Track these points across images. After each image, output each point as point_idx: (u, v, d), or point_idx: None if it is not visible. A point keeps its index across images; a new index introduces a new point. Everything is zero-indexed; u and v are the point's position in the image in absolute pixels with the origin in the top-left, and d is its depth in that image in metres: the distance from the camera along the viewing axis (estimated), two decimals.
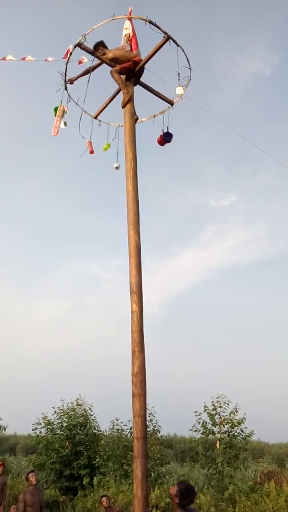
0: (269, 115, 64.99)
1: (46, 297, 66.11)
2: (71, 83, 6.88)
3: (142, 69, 6.85)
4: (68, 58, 6.69)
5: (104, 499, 9.30)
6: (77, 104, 7.08)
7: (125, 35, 6.96)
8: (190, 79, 7.04)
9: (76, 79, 6.87)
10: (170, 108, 7.31)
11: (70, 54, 6.65)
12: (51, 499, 13.84)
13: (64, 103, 6.96)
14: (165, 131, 7.26)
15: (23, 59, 6.91)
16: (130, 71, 6.73)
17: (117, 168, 7.22)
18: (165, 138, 7.24)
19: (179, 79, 6.81)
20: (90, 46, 6.62)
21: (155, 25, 6.50)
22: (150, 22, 6.51)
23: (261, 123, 63.03)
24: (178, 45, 6.72)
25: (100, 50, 6.68)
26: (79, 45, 6.56)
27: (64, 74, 6.82)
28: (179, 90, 6.93)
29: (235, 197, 64.12)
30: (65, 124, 6.93)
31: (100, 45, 6.69)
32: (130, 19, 6.94)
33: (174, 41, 6.63)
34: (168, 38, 6.51)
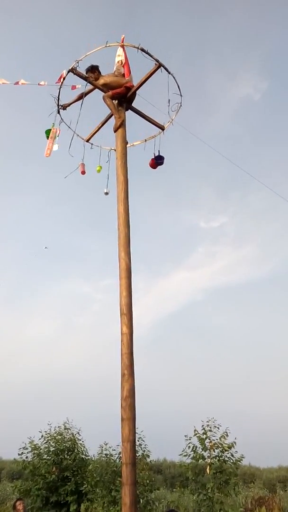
0: (258, 139, 66.30)
1: (35, 316, 65.42)
2: (64, 109, 6.99)
3: (134, 94, 7.01)
4: (62, 83, 6.82)
5: None
6: (69, 127, 7.19)
7: (118, 62, 7.13)
8: (181, 106, 7.22)
9: (69, 105, 6.99)
10: (161, 133, 7.46)
11: (64, 79, 6.78)
12: None
13: (56, 126, 7.05)
14: (157, 154, 7.38)
15: (17, 83, 7.03)
16: (122, 97, 6.87)
17: (106, 193, 7.26)
18: (157, 161, 7.36)
19: (169, 106, 6.97)
20: (83, 71, 6.77)
21: (147, 52, 6.67)
22: (142, 50, 6.69)
23: (251, 147, 64.23)
24: (169, 73, 6.90)
25: (94, 74, 6.82)
26: (72, 70, 6.70)
27: (57, 98, 6.94)
28: (169, 115, 7.10)
29: (225, 219, 64.76)
30: (56, 146, 6.99)
31: (95, 69, 6.84)
32: (122, 46, 7.12)
33: (165, 68, 6.80)
34: (159, 65, 6.68)
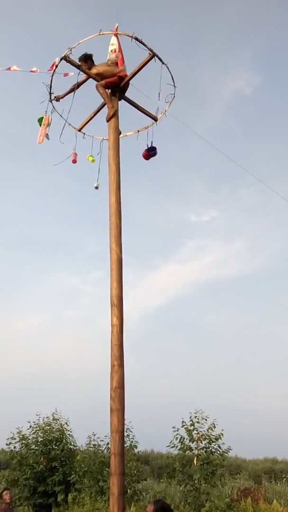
0: (249, 133, 66.22)
1: (25, 309, 65.16)
2: (57, 100, 6.89)
3: (127, 84, 6.93)
4: (54, 71, 6.72)
5: None
6: (61, 116, 7.09)
7: (111, 51, 7.03)
8: (174, 97, 7.16)
9: (62, 97, 6.88)
10: (154, 124, 7.39)
11: (56, 66, 6.68)
12: None
13: (49, 114, 6.96)
14: (149, 145, 7.32)
15: (9, 69, 6.90)
16: (115, 86, 6.79)
17: (96, 188, 7.15)
18: (150, 152, 7.30)
19: (158, 98, 6.92)
20: (76, 59, 6.67)
21: (141, 42, 6.59)
22: (136, 38, 6.60)
23: (242, 142, 64.18)
24: (163, 63, 6.82)
25: (87, 64, 6.73)
26: (65, 58, 6.59)
27: (49, 86, 6.84)
28: (163, 106, 7.05)
29: (216, 213, 64.79)
30: (47, 137, 6.89)
31: (88, 58, 6.75)
32: (116, 35, 7.02)
33: (159, 58, 6.72)
34: (153, 55, 6.60)
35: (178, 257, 66.57)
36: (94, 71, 6.77)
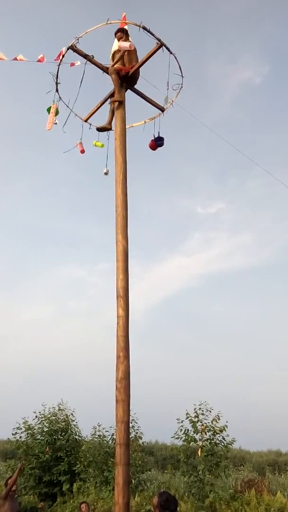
0: (258, 124, 65.76)
1: (31, 300, 65.55)
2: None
3: (135, 76, 6.86)
4: (61, 60, 6.68)
5: (83, 505, 9.19)
6: (67, 106, 7.07)
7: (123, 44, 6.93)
8: (182, 87, 7.09)
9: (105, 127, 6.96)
10: (161, 115, 7.33)
11: (63, 56, 6.63)
12: (30, 505, 13.65)
13: (56, 103, 6.97)
14: (156, 135, 7.27)
15: (15, 58, 6.87)
16: (125, 76, 6.73)
17: (106, 173, 7.14)
18: (157, 142, 7.24)
19: (167, 87, 6.85)
20: (83, 49, 6.63)
21: (148, 31, 6.52)
22: (144, 28, 6.53)
23: (251, 132, 63.77)
24: (171, 52, 6.75)
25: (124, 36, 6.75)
26: (72, 47, 6.54)
27: (56, 76, 6.81)
28: (170, 96, 6.99)
29: (222, 205, 64.57)
30: (56, 122, 6.90)
31: (125, 32, 6.77)
32: (124, 24, 6.95)
33: (167, 48, 6.66)
34: (161, 45, 6.53)
35: (184, 249, 66.60)
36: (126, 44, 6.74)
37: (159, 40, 6.52)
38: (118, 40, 6.78)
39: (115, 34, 6.87)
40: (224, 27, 60.34)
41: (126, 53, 6.71)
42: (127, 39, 6.78)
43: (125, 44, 6.62)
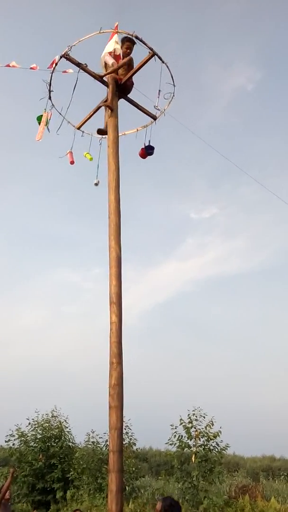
0: (251, 129, 66.22)
1: (25, 305, 65.22)
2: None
3: (128, 84, 6.92)
4: (54, 68, 6.72)
5: None
6: (60, 113, 7.11)
7: (113, 49, 6.99)
8: (174, 96, 7.17)
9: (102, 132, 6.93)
10: (153, 123, 7.40)
11: (56, 64, 6.69)
12: None
13: (48, 111, 6.99)
14: (147, 144, 7.34)
15: (8, 65, 6.90)
16: (118, 85, 6.79)
17: (96, 184, 7.16)
18: (147, 151, 7.31)
19: (158, 96, 6.93)
20: (76, 57, 6.68)
21: (141, 40, 6.58)
22: (136, 37, 6.60)
23: (244, 137, 64.18)
24: (163, 62, 6.82)
25: (130, 45, 6.80)
26: (65, 56, 6.59)
27: (49, 84, 6.85)
28: (158, 106, 7.07)
29: (216, 210, 64.84)
30: (47, 129, 6.92)
31: (131, 41, 6.80)
32: (116, 33, 7.01)
33: (159, 57, 6.72)
34: (153, 54, 6.59)
35: (178, 254, 66.74)
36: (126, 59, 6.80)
37: (151, 49, 6.58)
38: (127, 49, 6.85)
39: (124, 42, 6.88)
40: (218, 33, 60.92)
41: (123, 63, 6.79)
42: (132, 48, 6.85)
43: (109, 61, 6.72)
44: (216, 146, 8.14)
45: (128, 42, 6.79)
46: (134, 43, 6.77)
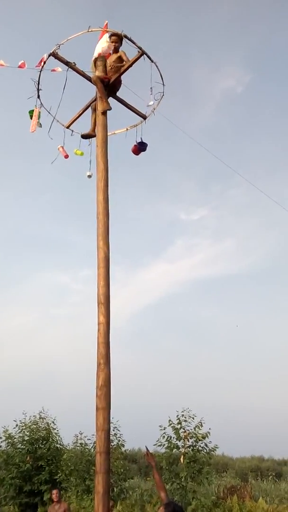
0: (241, 132, 66.51)
1: (13, 307, 64.65)
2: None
3: (117, 84, 6.89)
4: (42, 67, 6.68)
5: (55, 491, 9.10)
6: (49, 112, 7.07)
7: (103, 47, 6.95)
8: (163, 95, 7.15)
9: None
10: (143, 122, 7.38)
11: (44, 63, 6.64)
12: None
13: (38, 108, 6.97)
14: (139, 141, 7.31)
15: None
16: (107, 84, 6.76)
17: (89, 176, 7.11)
18: (140, 147, 7.28)
19: (151, 94, 6.91)
20: (65, 56, 6.64)
21: (130, 39, 6.56)
22: (125, 36, 6.58)
23: (234, 140, 64.45)
24: (152, 61, 6.80)
25: (118, 41, 6.70)
26: (53, 54, 6.55)
27: (37, 83, 6.80)
28: (151, 103, 7.05)
29: (206, 211, 64.99)
30: (39, 125, 6.90)
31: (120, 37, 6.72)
32: (105, 32, 6.98)
33: (148, 56, 6.70)
34: (142, 53, 6.58)
35: (168, 255, 66.73)
36: (116, 56, 6.72)
37: (140, 48, 6.56)
38: (113, 43, 6.77)
39: (110, 37, 6.80)
40: (208, 36, 61.16)
41: (113, 60, 6.74)
42: (120, 45, 6.79)
43: (105, 49, 6.72)
44: (206, 147, 8.15)
45: (115, 37, 6.73)
46: (121, 39, 6.71)
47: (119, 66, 6.71)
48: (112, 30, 6.83)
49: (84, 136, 7.00)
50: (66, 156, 7.25)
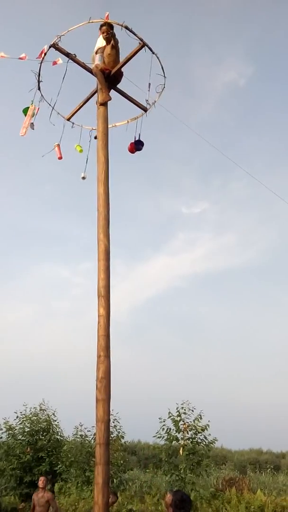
0: (242, 125, 66.25)
1: (13, 300, 64.78)
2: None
3: (119, 75, 6.85)
4: (43, 58, 6.63)
5: (42, 478, 9.18)
6: (50, 104, 7.03)
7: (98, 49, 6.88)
8: (164, 87, 7.11)
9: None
10: (144, 115, 7.34)
11: (45, 54, 6.60)
12: (10, 506, 13.54)
13: (36, 103, 6.88)
14: (137, 138, 7.27)
15: None
16: (107, 75, 6.71)
17: (83, 178, 7.09)
18: (137, 146, 7.25)
19: (149, 87, 6.86)
20: (66, 47, 6.59)
21: (131, 31, 6.50)
22: (126, 27, 6.52)
23: (234, 133, 64.22)
24: (153, 52, 6.76)
25: (110, 31, 6.51)
26: (54, 45, 6.51)
27: (38, 74, 6.76)
28: (152, 96, 7.01)
29: (207, 205, 64.92)
30: (32, 126, 6.80)
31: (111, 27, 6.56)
32: (106, 23, 6.91)
33: (149, 48, 6.64)
34: (143, 45, 6.52)
35: (168, 249, 66.79)
36: (109, 46, 6.61)
37: (141, 40, 6.51)
38: (103, 33, 6.63)
39: (100, 27, 6.69)
40: (210, 28, 60.60)
41: (108, 53, 6.67)
42: (111, 39, 6.67)
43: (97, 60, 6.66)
44: (207, 140, 8.12)
45: (104, 27, 6.54)
46: (112, 27, 6.54)
47: (115, 57, 6.65)
48: (113, 22, 6.76)
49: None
50: (60, 158, 7.16)
